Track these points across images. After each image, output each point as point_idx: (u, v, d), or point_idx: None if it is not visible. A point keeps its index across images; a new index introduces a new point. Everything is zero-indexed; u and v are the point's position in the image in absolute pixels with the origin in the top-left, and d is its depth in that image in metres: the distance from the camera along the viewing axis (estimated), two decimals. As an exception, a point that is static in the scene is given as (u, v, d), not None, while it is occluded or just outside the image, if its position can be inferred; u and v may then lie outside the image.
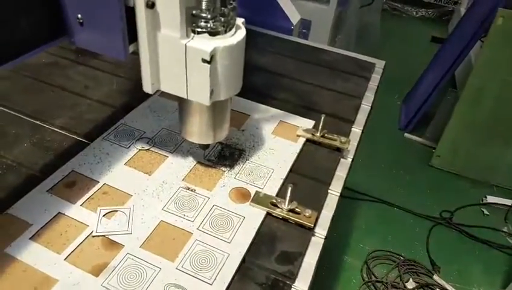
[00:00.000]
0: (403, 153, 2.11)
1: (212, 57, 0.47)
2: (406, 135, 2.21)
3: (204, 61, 0.47)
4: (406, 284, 1.46)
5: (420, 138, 2.18)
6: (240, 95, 0.81)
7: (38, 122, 0.71)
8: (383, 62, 1.05)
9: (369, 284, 1.46)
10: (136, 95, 0.79)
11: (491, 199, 1.87)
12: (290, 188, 0.56)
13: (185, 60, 0.48)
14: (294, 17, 1.32)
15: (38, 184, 0.58)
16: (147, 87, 0.52)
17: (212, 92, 0.51)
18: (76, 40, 0.49)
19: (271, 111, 0.78)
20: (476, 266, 1.58)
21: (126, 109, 0.75)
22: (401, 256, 1.56)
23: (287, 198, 0.56)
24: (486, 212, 1.81)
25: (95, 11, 0.47)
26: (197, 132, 0.59)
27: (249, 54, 0.99)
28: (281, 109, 0.79)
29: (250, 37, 1.15)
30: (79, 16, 0.47)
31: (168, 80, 0.52)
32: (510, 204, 1.82)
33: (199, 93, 0.51)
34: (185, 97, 0.52)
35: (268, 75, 0.93)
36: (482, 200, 1.86)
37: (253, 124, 0.74)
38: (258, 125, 0.74)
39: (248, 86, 0.88)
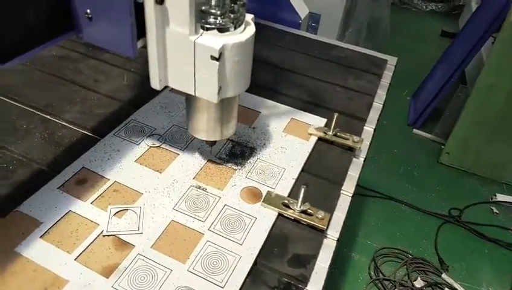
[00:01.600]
0: (411, 150, 2.08)
1: (221, 54, 0.47)
2: (415, 131, 2.18)
3: (213, 58, 0.46)
4: (414, 282, 1.44)
5: (429, 134, 2.15)
6: (250, 91, 0.80)
7: (48, 116, 0.70)
8: (395, 58, 1.02)
9: (377, 282, 1.45)
10: (146, 91, 0.78)
11: (500, 197, 1.84)
12: (303, 189, 0.54)
13: (193, 56, 0.48)
14: (303, 10, 1.29)
15: (48, 180, 0.58)
16: (155, 84, 0.51)
17: (220, 89, 0.50)
18: (85, 36, 0.49)
19: (282, 108, 0.77)
20: (485, 265, 1.56)
21: (136, 105, 0.74)
22: (409, 254, 1.54)
23: (300, 199, 0.55)
24: (495, 210, 1.79)
25: (104, 6, 0.46)
26: (205, 128, 0.58)
27: (259, 48, 0.99)
28: (292, 106, 0.78)
29: (260, 31, 1.13)
30: (88, 11, 0.46)
31: (176, 76, 0.51)
32: (520, 203, 1.80)
33: (207, 91, 0.50)
34: (193, 94, 0.52)
35: (279, 71, 0.92)
36: (492, 199, 1.84)
37: (263, 121, 0.73)
38: (269, 123, 0.73)
39: (259, 82, 0.87)
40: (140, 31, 0.47)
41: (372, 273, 1.48)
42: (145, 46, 0.49)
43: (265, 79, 0.88)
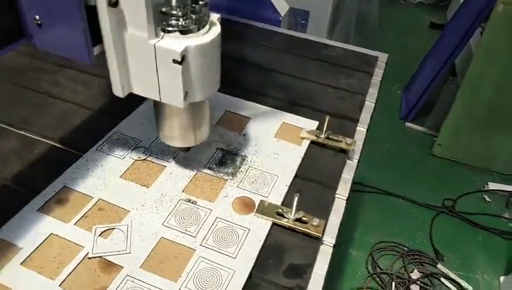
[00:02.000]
0: (404, 143, 2.08)
1: (183, 57, 0.44)
2: (407, 124, 2.18)
3: (175, 62, 0.44)
4: (411, 274, 1.45)
5: (421, 127, 2.15)
6: (238, 96, 0.78)
7: (24, 132, 0.67)
8: (386, 55, 1.01)
9: (375, 276, 1.45)
10: (130, 101, 0.74)
11: (492, 185, 1.85)
12: (296, 198, 0.52)
13: (155, 61, 0.45)
14: (282, 7, 1.26)
15: (27, 202, 0.55)
16: (117, 91, 0.49)
17: (186, 94, 0.48)
18: (38, 42, 0.46)
19: (272, 112, 0.75)
20: (479, 253, 1.58)
21: (120, 116, 0.71)
22: (406, 247, 1.54)
23: (294, 208, 0.53)
24: (488, 199, 1.80)
25: (52, 12, 0.43)
26: (176, 135, 0.56)
27: (246, 50, 0.96)
28: (282, 110, 0.76)
29: (244, 30, 1.09)
30: (36, 17, 0.44)
31: (139, 82, 0.48)
32: (511, 190, 1.81)
33: (172, 96, 0.48)
34: (158, 100, 0.49)
35: (267, 72, 0.89)
36: (484, 187, 1.85)
37: (254, 127, 0.71)
38: (260, 129, 0.70)
39: (247, 86, 0.85)
40: (97, 35, 0.44)
41: (370, 267, 1.48)
42: (104, 52, 0.46)
43: (253, 82, 0.85)
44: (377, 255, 1.52)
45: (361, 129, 0.76)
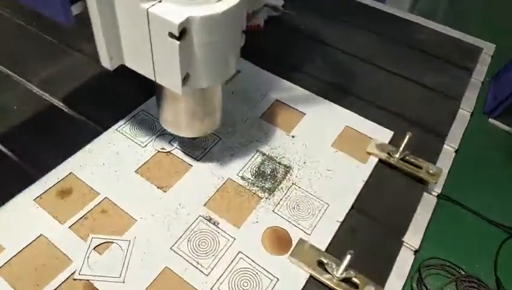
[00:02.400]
0: (485, 143, 1.77)
1: (183, 30, 0.32)
2: (491, 121, 1.86)
3: (172, 36, 0.32)
4: (463, 303, 1.26)
5: (509, 126, 1.82)
6: (289, 78, 0.62)
7: (46, 94, 0.58)
8: (492, 46, 0.77)
9: (419, 296, 1.28)
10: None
11: None
12: (349, 256, 0.38)
13: (148, 31, 0.34)
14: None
15: (26, 186, 0.46)
16: (105, 62, 0.39)
17: (186, 77, 0.36)
18: None
19: (334, 110, 0.59)
20: (552, 295, 1.33)
21: (150, 91, 0.59)
22: (462, 269, 1.34)
23: (343, 266, 0.39)
24: None
25: None
26: (179, 122, 0.45)
27: (311, 23, 0.78)
28: (346, 107, 0.59)
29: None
30: None
31: (132, 54, 0.38)
32: None
33: (169, 78, 0.36)
34: (153, 80, 0.38)
35: (328, 50, 0.71)
36: None
37: (308, 127, 0.55)
38: (315, 131, 0.55)
39: (306, 69, 0.68)
40: None
41: (415, 285, 1.31)
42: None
43: (317, 67, 0.68)
44: (426, 272, 1.33)
45: (448, 149, 0.58)
